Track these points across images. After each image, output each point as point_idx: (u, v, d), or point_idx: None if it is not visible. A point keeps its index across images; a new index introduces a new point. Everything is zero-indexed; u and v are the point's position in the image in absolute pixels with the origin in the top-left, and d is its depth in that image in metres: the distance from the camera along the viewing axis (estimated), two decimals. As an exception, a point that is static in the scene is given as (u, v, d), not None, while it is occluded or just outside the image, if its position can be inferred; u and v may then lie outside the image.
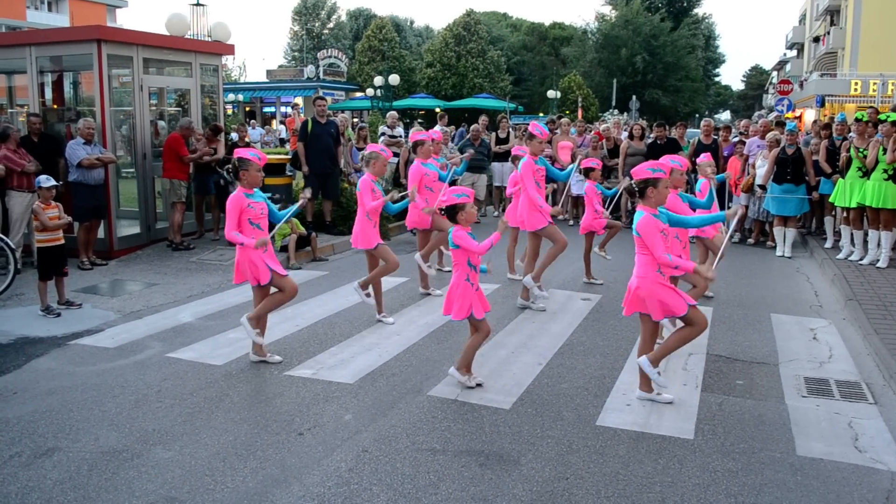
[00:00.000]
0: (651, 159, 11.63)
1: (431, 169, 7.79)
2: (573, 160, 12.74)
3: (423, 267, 7.82)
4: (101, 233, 9.36)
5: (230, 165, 8.75)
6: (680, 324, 6.00)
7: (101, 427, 4.57)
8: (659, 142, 12.17)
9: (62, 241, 7.19)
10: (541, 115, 40.27)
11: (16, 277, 7.61)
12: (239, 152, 5.73)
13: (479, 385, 5.24)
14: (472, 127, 13.67)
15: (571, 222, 12.98)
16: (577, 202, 13.10)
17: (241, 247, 5.56)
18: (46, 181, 7.15)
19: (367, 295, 6.87)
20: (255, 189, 5.66)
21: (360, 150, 12.47)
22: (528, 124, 8.54)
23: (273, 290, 5.75)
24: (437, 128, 11.69)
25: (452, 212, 5.07)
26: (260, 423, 4.63)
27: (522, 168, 7.20)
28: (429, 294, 7.84)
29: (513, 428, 4.58)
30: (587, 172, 8.25)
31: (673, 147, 11.96)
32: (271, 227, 5.81)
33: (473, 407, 4.90)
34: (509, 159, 11.59)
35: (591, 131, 14.47)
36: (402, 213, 8.13)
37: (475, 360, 5.80)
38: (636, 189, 4.78)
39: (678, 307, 4.73)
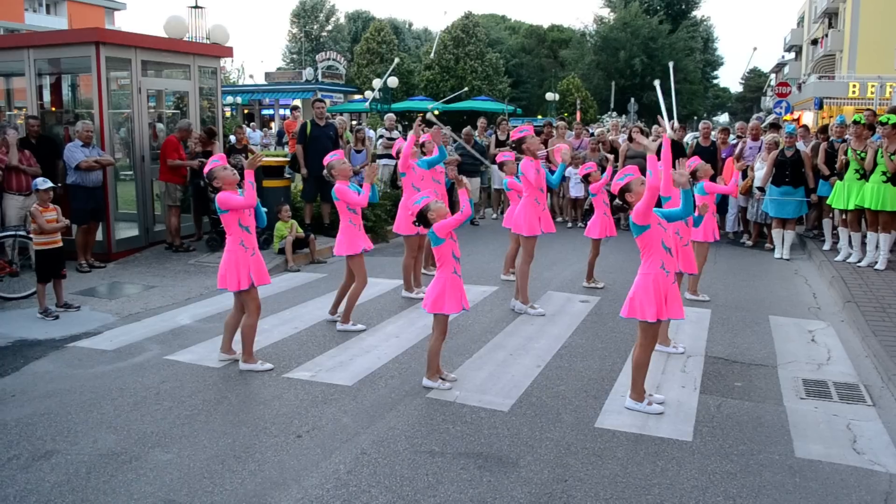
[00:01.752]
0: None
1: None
2: (572, 163, 12.81)
3: (411, 295, 7.84)
4: (99, 235, 9.36)
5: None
6: (679, 347, 6.07)
7: (100, 430, 4.56)
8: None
9: (60, 244, 7.18)
10: (539, 117, 40.31)
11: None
12: (206, 167, 5.74)
13: (454, 380, 5.35)
14: (463, 130, 13.65)
15: (570, 224, 13.00)
16: (576, 204, 13.12)
17: (230, 251, 5.54)
18: (43, 183, 7.14)
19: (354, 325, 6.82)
20: (240, 191, 5.64)
21: (357, 152, 12.49)
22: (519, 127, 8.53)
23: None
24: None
25: (424, 218, 5.17)
26: (258, 426, 4.63)
27: (524, 168, 7.22)
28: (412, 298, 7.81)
29: (511, 430, 4.58)
30: (586, 178, 8.28)
31: (677, 149, 11.96)
32: (258, 232, 5.84)
33: (472, 409, 4.90)
34: (496, 165, 11.59)
35: (588, 132, 14.49)
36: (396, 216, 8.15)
37: (474, 361, 5.82)
38: (620, 203, 4.85)
39: (648, 314, 4.67)
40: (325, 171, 6.83)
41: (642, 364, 4.84)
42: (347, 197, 6.56)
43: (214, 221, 9.80)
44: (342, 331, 6.67)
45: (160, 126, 11.06)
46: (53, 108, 11.00)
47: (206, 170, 5.71)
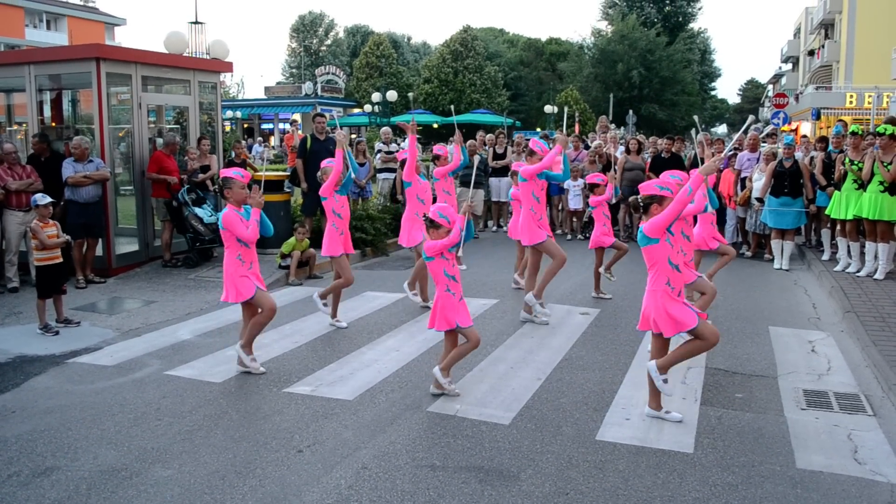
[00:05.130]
0: (653, 172, 11.83)
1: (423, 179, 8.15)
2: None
3: (409, 295, 7.99)
4: (99, 250, 9.37)
5: (187, 186, 8.69)
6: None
7: (100, 446, 4.56)
8: (664, 155, 12.23)
9: (61, 260, 7.18)
10: (537, 129, 40.44)
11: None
12: (223, 172, 5.85)
13: (456, 394, 5.38)
14: (467, 143, 13.67)
15: (569, 237, 13.01)
16: (574, 216, 13.14)
17: (228, 265, 5.68)
18: (42, 199, 7.15)
19: (325, 304, 7.24)
20: (244, 207, 5.74)
21: (360, 165, 12.52)
22: (528, 140, 8.63)
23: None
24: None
25: (429, 226, 5.16)
26: (259, 441, 4.62)
27: (522, 184, 7.28)
28: (427, 307, 7.83)
29: (512, 443, 4.58)
30: (592, 188, 8.32)
31: (676, 162, 12.01)
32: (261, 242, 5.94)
33: (473, 422, 4.89)
34: (508, 174, 11.68)
35: (584, 144, 14.57)
36: (396, 230, 8.26)
37: (475, 374, 5.82)
38: (641, 204, 4.79)
39: (688, 320, 4.68)
40: (319, 174, 6.98)
41: (690, 352, 4.82)
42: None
43: (192, 240, 9.81)
44: (332, 325, 7.16)
45: (160, 141, 11.09)
46: (54, 124, 11.05)
47: (224, 173, 5.77)
